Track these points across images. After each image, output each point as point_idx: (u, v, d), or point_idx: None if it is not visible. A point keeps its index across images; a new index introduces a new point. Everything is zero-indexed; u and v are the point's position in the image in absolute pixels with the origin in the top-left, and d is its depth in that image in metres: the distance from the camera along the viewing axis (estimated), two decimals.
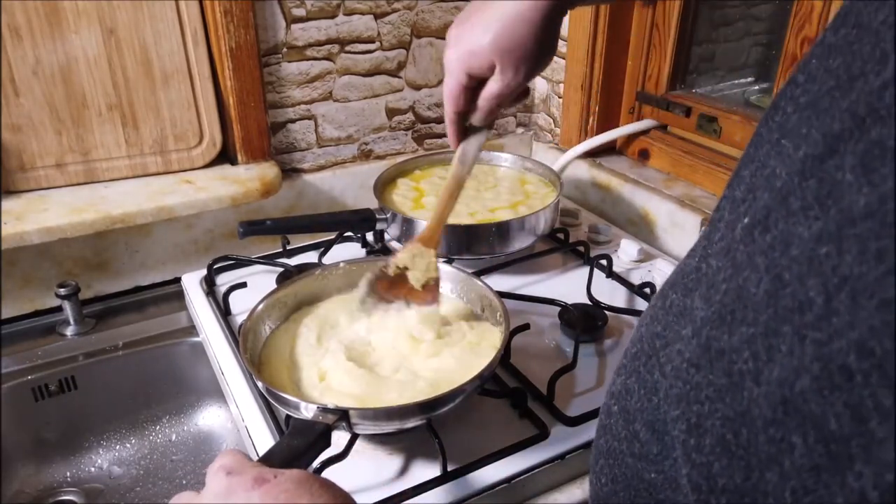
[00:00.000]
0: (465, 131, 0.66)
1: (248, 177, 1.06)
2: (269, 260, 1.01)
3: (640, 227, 1.13)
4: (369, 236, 1.05)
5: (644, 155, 1.21)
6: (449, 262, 0.85)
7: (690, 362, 0.30)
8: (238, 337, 0.71)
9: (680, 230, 1.06)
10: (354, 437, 0.63)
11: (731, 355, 0.28)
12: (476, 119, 0.63)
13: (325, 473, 0.61)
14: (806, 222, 0.26)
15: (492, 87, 0.60)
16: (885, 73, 0.25)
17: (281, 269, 0.97)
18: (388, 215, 0.98)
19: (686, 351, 0.31)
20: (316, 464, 0.59)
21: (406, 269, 0.72)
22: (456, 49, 0.59)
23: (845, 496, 0.21)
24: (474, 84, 0.61)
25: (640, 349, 0.36)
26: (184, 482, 0.98)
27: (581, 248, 1.01)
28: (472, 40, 0.57)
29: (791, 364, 0.24)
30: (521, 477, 0.66)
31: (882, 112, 0.24)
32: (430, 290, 0.72)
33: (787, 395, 0.24)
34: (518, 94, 0.62)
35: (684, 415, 0.30)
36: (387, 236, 1.04)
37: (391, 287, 0.72)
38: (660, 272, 0.98)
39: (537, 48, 0.57)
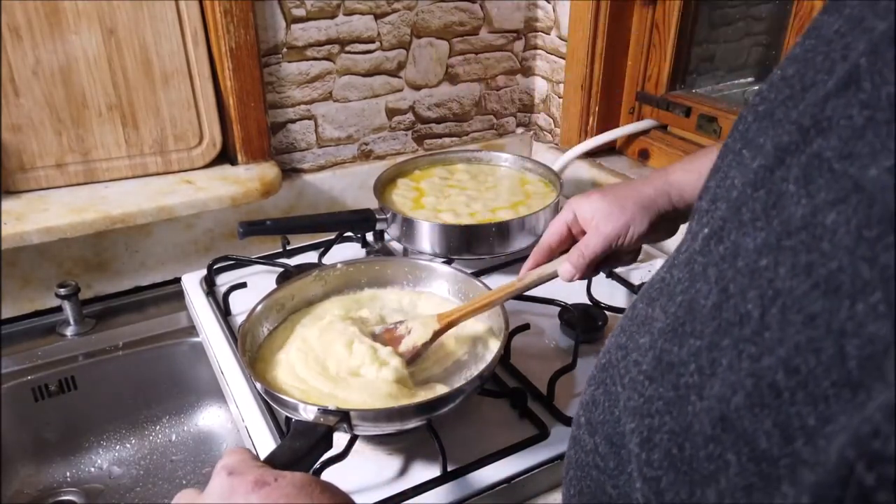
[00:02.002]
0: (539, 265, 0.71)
1: (248, 177, 1.06)
2: (269, 260, 1.01)
3: None
4: (369, 236, 1.05)
5: (644, 155, 1.21)
6: (449, 262, 0.85)
7: (646, 374, 0.31)
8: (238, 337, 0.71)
9: (680, 230, 1.06)
10: (354, 438, 0.63)
11: (680, 368, 0.28)
12: (563, 272, 0.68)
13: (326, 474, 0.61)
14: (753, 233, 0.26)
15: (585, 240, 0.67)
16: (830, 83, 0.26)
17: (281, 269, 0.97)
18: (388, 215, 0.98)
19: (643, 362, 0.31)
20: (316, 465, 0.59)
21: (409, 331, 0.71)
22: (577, 197, 0.69)
23: None
24: (574, 229, 0.69)
25: (608, 360, 0.37)
26: (184, 482, 0.98)
27: None
28: (593, 195, 0.68)
29: (729, 379, 0.24)
30: (521, 477, 0.66)
31: (824, 124, 0.25)
32: (413, 351, 0.69)
33: (724, 411, 0.24)
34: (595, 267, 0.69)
35: (638, 428, 0.30)
36: (387, 236, 1.04)
37: (390, 335, 0.71)
38: None
39: (631, 222, 0.65)
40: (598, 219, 0.66)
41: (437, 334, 0.70)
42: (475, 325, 0.75)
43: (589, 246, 0.66)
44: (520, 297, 0.87)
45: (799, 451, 0.20)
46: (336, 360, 0.67)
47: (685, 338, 0.28)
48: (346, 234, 1.05)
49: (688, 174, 0.66)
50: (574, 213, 0.68)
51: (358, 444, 0.64)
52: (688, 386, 0.27)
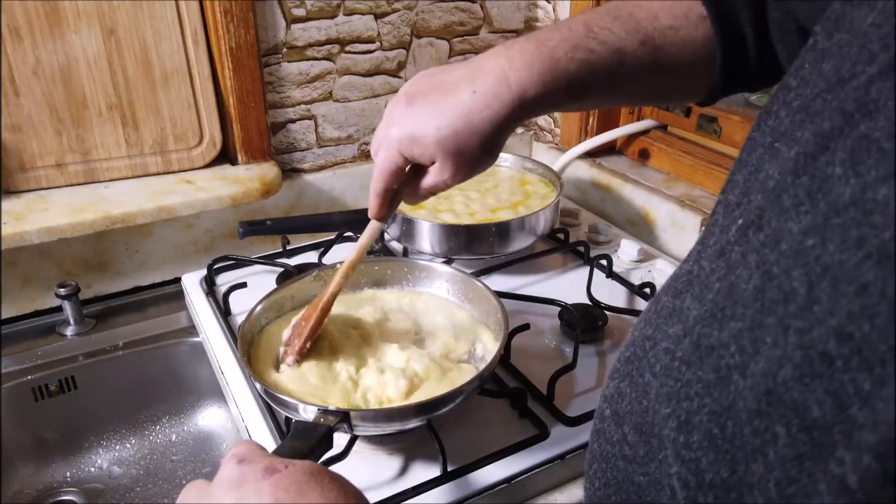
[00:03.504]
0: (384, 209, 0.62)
1: (248, 177, 1.06)
2: (269, 260, 1.01)
3: (640, 227, 1.13)
4: None
5: (644, 155, 1.21)
6: (449, 262, 0.85)
7: (682, 360, 0.31)
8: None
9: (680, 230, 1.06)
10: (354, 438, 0.63)
11: (720, 351, 0.28)
12: (409, 202, 0.61)
13: None
14: (797, 218, 0.27)
15: (429, 180, 0.58)
16: (872, 69, 0.26)
17: (281, 269, 0.97)
18: None
19: (677, 350, 0.32)
20: None
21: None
22: (400, 129, 0.55)
23: (828, 483, 0.21)
24: (408, 164, 0.58)
25: (633, 353, 0.37)
26: (184, 482, 0.98)
27: (581, 248, 1.01)
28: (419, 129, 0.54)
29: (775, 355, 0.25)
30: (521, 477, 0.66)
31: (870, 106, 0.25)
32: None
33: (770, 385, 0.24)
34: None
35: (674, 412, 0.30)
36: (387, 236, 1.04)
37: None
38: (660, 272, 0.98)
39: (480, 156, 0.55)
40: (443, 170, 0.56)
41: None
42: (475, 325, 0.75)
43: (437, 186, 0.58)
44: (520, 297, 0.88)
45: (854, 417, 0.21)
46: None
47: (725, 321, 0.29)
48: (346, 234, 1.05)
49: (547, 102, 0.53)
50: (404, 157, 0.57)
51: (358, 444, 0.64)
52: (729, 367, 0.27)
